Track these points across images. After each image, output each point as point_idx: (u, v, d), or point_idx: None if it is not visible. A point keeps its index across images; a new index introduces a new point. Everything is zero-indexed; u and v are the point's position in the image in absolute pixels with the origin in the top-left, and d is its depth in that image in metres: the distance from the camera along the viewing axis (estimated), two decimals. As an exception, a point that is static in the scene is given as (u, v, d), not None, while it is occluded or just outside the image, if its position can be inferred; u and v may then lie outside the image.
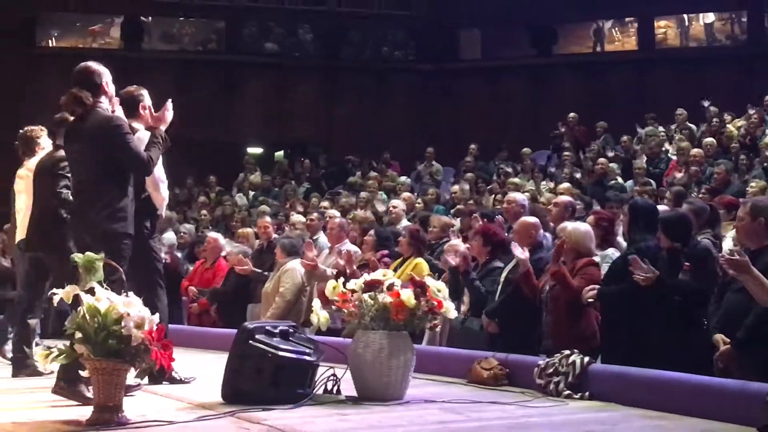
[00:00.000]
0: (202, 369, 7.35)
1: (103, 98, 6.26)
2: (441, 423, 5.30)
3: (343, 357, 6.32)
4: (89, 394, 5.59)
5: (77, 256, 5.42)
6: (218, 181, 20.48)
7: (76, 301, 5.16)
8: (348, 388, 6.24)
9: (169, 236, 13.88)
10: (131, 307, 5.05)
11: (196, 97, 22.62)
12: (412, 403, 6.00)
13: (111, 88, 6.39)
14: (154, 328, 5.06)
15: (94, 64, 6.38)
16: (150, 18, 23.44)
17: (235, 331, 6.32)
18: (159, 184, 6.70)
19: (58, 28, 23.48)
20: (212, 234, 12.55)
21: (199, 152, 21.42)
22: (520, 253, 7.49)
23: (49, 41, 23.17)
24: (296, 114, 23.36)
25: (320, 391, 6.16)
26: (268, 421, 5.20)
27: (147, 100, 6.81)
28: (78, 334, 5.05)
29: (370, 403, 5.97)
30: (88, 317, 5.05)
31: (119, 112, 6.56)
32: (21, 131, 8.37)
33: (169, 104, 6.66)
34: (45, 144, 8.19)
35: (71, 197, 7.32)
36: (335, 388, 6.23)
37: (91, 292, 5.18)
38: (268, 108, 23.24)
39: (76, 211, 6.34)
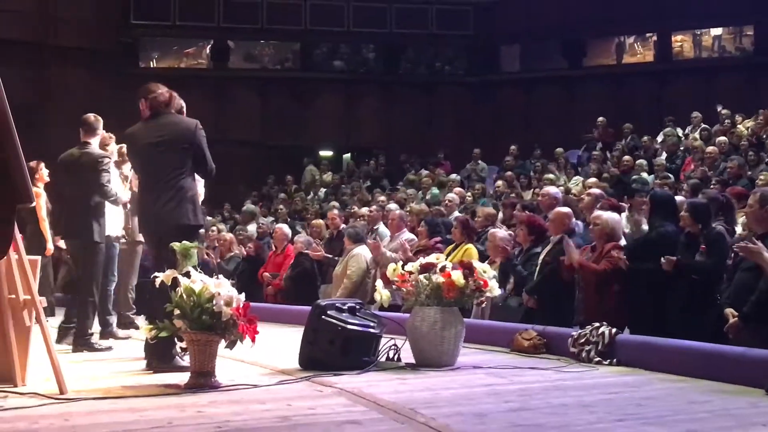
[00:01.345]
0: (280, 340, 7.38)
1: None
2: (487, 386, 5.27)
3: (403, 329, 6.32)
4: (184, 363, 5.65)
5: (175, 244, 5.48)
6: (294, 180, 20.61)
7: (175, 282, 5.23)
8: (407, 356, 6.24)
9: (252, 228, 14.01)
10: (221, 287, 5.10)
11: (275, 108, 22.80)
12: (463, 369, 6.00)
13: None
14: (241, 305, 5.11)
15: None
16: (235, 41, 23.59)
17: (308, 308, 6.35)
18: (197, 182, 6.57)
19: (158, 51, 23.77)
20: (278, 225, 12.64)
21: (278, 155, 21.57)
22: (573, 251, 7.33)
23: (150, 62, 23.48)
24: (361, 122, 23.39)
25: (383, 359, 6.16)
26: (339, 384, 5.22)
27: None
28: (177, 311, 5.12)
29: (426, 369, 5.98)
30: (185, 296, 5.11)
31: None
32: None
33: None
34: (112, 149, 8.15)
35: (113, 191, 7.40)
36: (396, 356, 6.23)
37: (187, 275, 5.24)
38: (336, 117, 23.28)
39: (149, 203, 6.09)
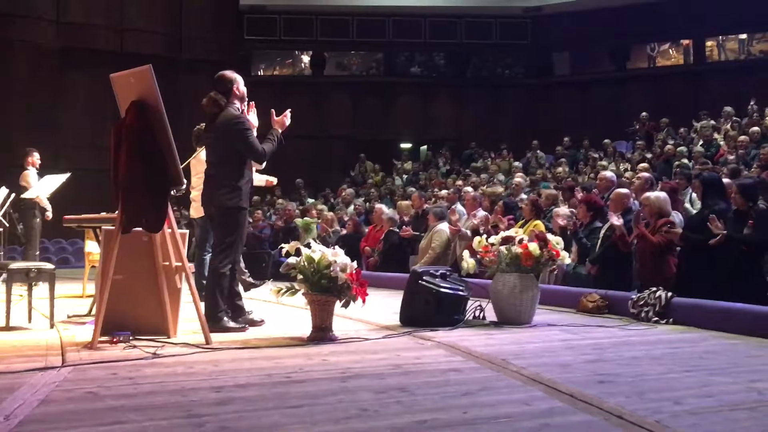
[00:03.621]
0: (378, 302, 7.31)
1: (235, 100, 5.74)
2: (563, 341, 5.15)
3: (486, 293, 6.24)
4: (232, 325, 5.55)
5: (298, 220, 5.46)
6: (381, 167, 20.59)
7: (298, 252, 5.21)
8: (490, 315, 6.16)
9: (350, 209, 14.01)
10: (338, 256, 5.07)
11: (363, 108, 22.84)
12: (539, 326, 5.88)
13: (241, 90, 5.77)
14: (354, 271, 5.08)
15: (228, 72, 5.81)
16: (329, 53, 23.66)
17: (397, 275, 6.25)
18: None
19: (265, 61, 23.98)
20: (378, 205, 12.58)
21: (367, 147, 21.56)
22: (616, 221, 7.22)
23: (259, 71, 23.68)
24: (435, 118, 23.29)
25: (470, 318, 6.09)
26: (436, 338, 5.15)
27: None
28: (299, 276, 5.12)
29: (507, 326, 5.89)
30: (306, 264, 5.09)
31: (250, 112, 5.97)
32: (196, 128, 7.68)
33: (288, 113, 5.97)
34: None
35: None
36: (481, 315, 6.15)
37: (307, 246, 5.22)
38: (414, 114, 23.23)
39: (205, 187, 5.82)
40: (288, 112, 5.99)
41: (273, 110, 5.94)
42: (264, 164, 6.02)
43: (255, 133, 5.75)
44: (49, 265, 6.03)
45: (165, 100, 4.85)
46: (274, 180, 7.02)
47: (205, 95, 5.71)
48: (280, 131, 5.85)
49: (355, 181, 19.95)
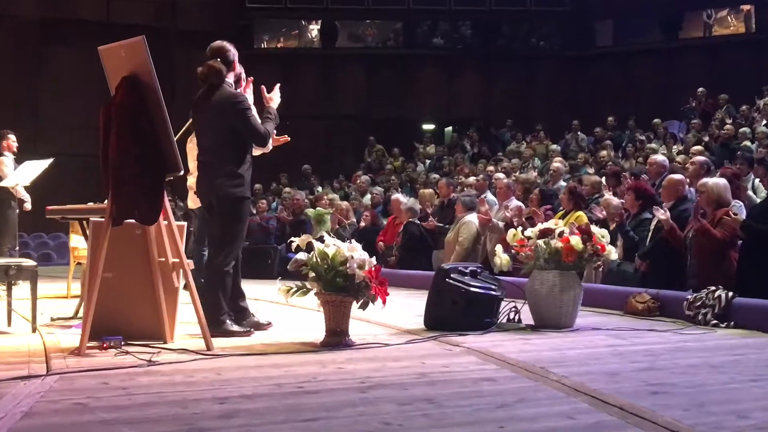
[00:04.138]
0: (397, 302, 7.30)
1: (231, 74, 5.67)
2: (610, 346, 5.12)
3: (521, 292, 6.22)
4: (235, 328, 5.58)
5: (309, 211, 5.47)
6: (401, 151, 20.58)
7: (310, 246, 5.21)
8: (526, 318, 6.14)
9: (366, 198, 14.02)
10: (354, 251, 5.07)
11: (380, 84, 22.88)
12: (582, 330, 5.86)
13: (239, 68, 5.78)
14: (373, 269, 5.07)
15: (227, 43, 5.72)
16: (340, 22, 23.67)
17: (417, 272, 6.22)
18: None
19: (268, 32, 24.00)
20: (395, 196, 12.55)
21: (384, 128, 21.56)
22: (662, 215, 7.17)
23: (262, 44, 23.71)
24: (461, 95, 23.27)
25: (504, 320, 6.09)
26: (466, 344, 5.14)
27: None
28: (311, 274, 5.12)
29: (546, 330, 5.87)
30: (319, 260, 5.09)
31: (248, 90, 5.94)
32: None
33: (277, 88, 5.95)
34: None
35: None
36: (516, 317, 6.13)
37: (320, 240, 5.22)
38: (437, 91, 23.24)
39: (201, 174, 5.74)
40: (277, 88, 5.94)
41: (263, 86, 5.91)
42: (270, 148, 5.99)
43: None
44: (30, 262, 6.07)
45: (157, 77, 4.84)
46: (282, 138, 6.82)
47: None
48: (274, 107, 5.83)
49: (370, 167, 19.93)
